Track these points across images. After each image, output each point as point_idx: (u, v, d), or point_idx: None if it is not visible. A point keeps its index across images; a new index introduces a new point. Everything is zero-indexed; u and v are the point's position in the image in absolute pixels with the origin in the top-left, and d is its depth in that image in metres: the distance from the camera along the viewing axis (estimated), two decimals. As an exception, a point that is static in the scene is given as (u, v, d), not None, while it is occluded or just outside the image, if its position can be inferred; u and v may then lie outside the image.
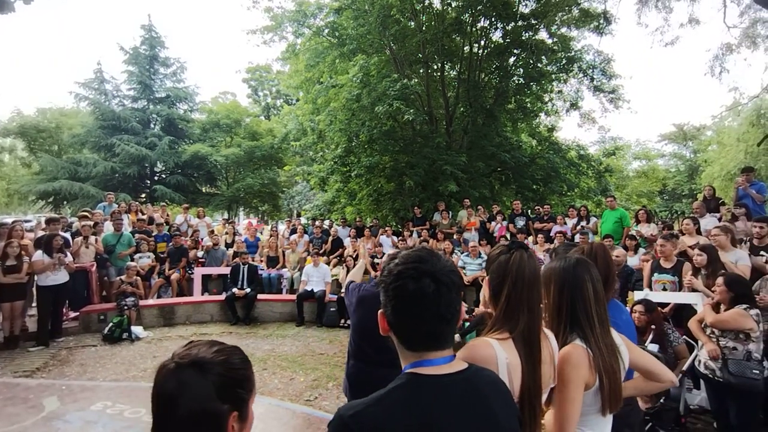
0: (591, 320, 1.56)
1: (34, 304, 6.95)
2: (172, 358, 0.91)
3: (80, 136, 23.74)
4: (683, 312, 4.73)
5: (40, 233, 7.35)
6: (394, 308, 1.02)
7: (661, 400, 3.68)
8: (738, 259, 4.73)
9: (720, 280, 3.42)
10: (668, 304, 4.92)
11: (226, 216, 25.33)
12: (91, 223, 8.19)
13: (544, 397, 1.41)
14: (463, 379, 1.02)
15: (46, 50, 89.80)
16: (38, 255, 6.52)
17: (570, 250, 1.99)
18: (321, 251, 9.94)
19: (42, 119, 28.46)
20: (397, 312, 1.02)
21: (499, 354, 1.30)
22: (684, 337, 4.14)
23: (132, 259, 8.38)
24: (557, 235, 8.53)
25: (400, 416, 0.92)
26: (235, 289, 8.06)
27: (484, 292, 1.53)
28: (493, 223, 10.11)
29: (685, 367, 3.88)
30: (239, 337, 7.22)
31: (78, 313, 7.41)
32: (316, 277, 8.30)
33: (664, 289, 4.97)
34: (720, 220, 7.22)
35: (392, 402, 0.95)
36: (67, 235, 7.72)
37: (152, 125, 25.58)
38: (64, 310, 7.26)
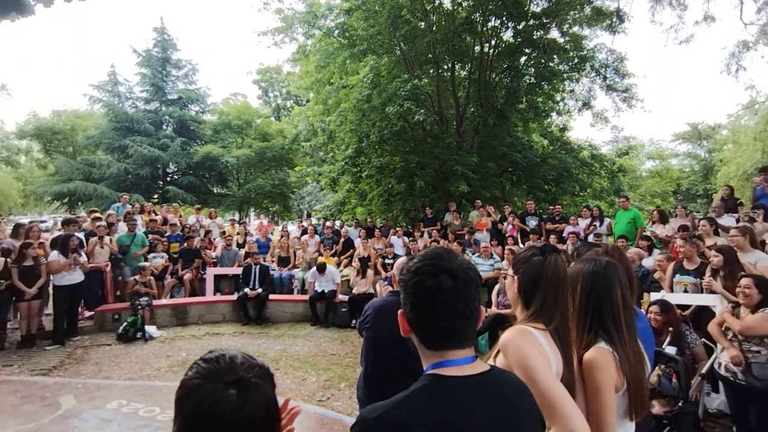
0: (618, 325, 1.53)
1: (50, 304, 7.06)
2: (234, 374, 0.82)
3: (94, 138, 24.15)
4: (702, 315, 4.64)
5: (57, 234, 7.46)
6: (412, 305, 1.03)
7: (680, 404, 3.61)
8: (757, 261, 4.62)
9: (749, 281, 3.32)
10: (688, 306, 4.83)
11: (236, 216, 25.50)
12: (106, 223, 8.30)
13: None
14: (486, 381, 1.01)
15: (61, 53, 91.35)
16: (54, 255, 6.61)
17: (589, 250, 1.95)
18: (332, 252, 9.96)
19: (57, 121, 29.00)
20: (416, 309, 1.03)
21: (536, 333, 1.35)
22: (702, 339, 4.06)
23: (146, 259, 8.46)
24: (570, 235, 8.43)
25: (424, 418, 0.92)
26: (247, 289, 8.10)
27: (510, 292, 1.51)
28: (505, 224, 10.03)
29: (704, 370, 3.81)
30: (251, 337, 7.25)
31: (93, 313, 7.49)
32: (324, 280, 8.26)
33: (686, 291, 4.87)
34: (738, 221, 7.09)
35: (415, 404, 0.94)
36: (81, 235, 7.83)
37: (164, 127, 25.92)
38: (80, 309, 7.36)
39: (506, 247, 8.40)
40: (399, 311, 1.08)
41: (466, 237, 9.82)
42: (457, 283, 1.01)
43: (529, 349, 1.29)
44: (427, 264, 1.03)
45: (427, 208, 11.51)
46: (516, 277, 1.49)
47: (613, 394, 1.45)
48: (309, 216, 20.19)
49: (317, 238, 10.50)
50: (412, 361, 2.63)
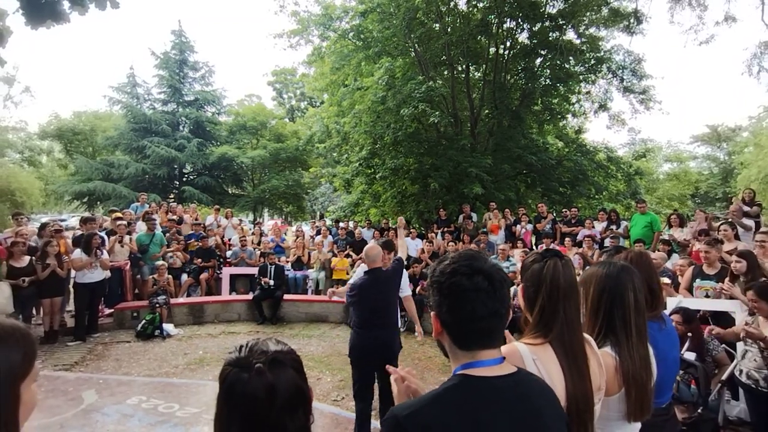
0: (628, 329, 1.54)
1: (71, 301, 7.23)
2: (248, 361, 0.94)
3: (113, 139, 24.61)
4: (722, 317, 4.57)
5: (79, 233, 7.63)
6: (449, 306, 1.04)
7: (699, 411, 3.56)
8: (780, 267, 4.53)
9: None
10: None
11: (251, 217, 25.78)
12: (126, 222, 8.46)
13: (597, 407, 1.39)
14: (514, 383, 1.02)
15: (82, 55, 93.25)
16: (77, 253, 6.78)
17: (615, 254, 1.95)
18: (345, 253, 10.01)
19: (78, 122, 29.60)
20: (453, 309, 1.03)
21: (524, 353, 1.30)
22: (724, 345, 4.00)
23: (164, 258, 8.60)
24: (585, 239, 8.35)
25: (454, 418, 0.94)
26: (263, 280, 8.24)
27: (519, 300, 1.52)
28: (518, 227, 9.97)
29: (724, 377, 3.75)
30: (266, 336, 7.29)
31: (113, 310, 7.66)
32: None
33: (707, 296, 4.80)
34: (758, 225, 6.96)
35: (446, 403, 0.97)
36: (103, 234, 7.99)
37: (181, 128, 26.29)
38: (100, 306, 7.52)
39: (519, 250, 8.35)
40: (432, 314, 1.09)
41: (481, 238, 9.78)
42: (493, 283, 1.02)
43: None
44: (462, 265, 1.04)
45: (441, 209, 11.49)
46: (521, 285, 1.48)
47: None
48: (322, 217, 20.28)
49: (331, 238, 10.57)
50: (379, 321, 3.80)
